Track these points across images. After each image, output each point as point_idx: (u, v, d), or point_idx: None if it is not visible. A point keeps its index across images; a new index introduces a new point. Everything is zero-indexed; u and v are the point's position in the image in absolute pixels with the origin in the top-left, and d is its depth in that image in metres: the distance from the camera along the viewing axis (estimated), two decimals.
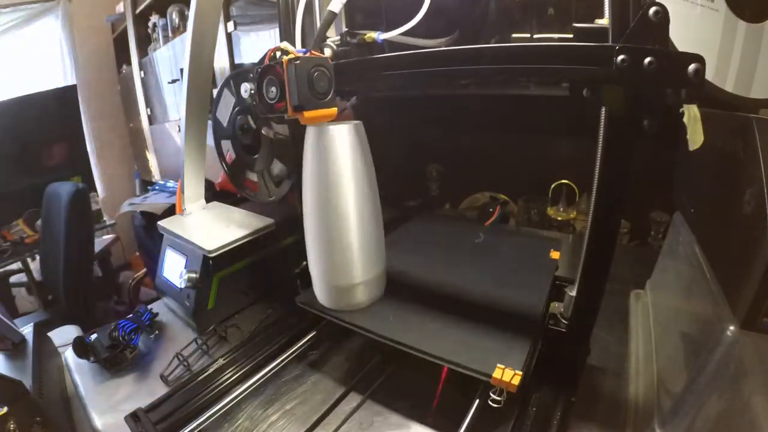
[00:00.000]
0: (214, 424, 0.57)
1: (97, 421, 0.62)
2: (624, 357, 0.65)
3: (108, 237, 2.58)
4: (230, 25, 1.50)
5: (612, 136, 0.42)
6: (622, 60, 0.37)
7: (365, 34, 0.63)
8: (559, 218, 1.06)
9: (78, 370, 0.73)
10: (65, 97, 2.49)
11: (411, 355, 0.53)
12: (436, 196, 1.34)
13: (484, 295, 0.63)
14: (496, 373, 0.47)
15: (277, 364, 0.65)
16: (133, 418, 0.56)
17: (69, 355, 0.75)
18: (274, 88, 0.52)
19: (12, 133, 2.25)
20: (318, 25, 0.68)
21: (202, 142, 0.92)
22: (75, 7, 2.58)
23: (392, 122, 1.35)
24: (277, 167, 0.81)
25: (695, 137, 0.46)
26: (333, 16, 0.59)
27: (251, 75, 0.61)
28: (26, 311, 2.03)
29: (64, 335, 0.94)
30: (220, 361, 0.67)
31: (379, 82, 0.71)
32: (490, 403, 0.48)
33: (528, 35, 0.77)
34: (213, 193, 1.12)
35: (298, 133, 0.64)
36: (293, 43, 0.64)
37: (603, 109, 0.42)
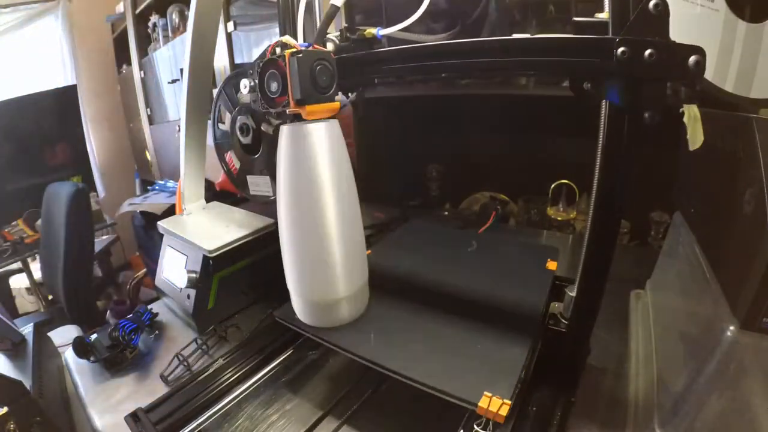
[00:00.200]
0: (214, 424, 0.57)
1: (97, 421, 0.62)
2: (624, 357, 0.65)
3: (108, 237, 2.58)
4: (230, 25, 1.50)
5: (612, 129, 0.42)
6: (623, 52, 0.37)
7: (365, 30, 0.63)
8: (559, 218, 1.06)
9: (78, 370, 0.73)
10: (65, 97, 2.49)
11: None
12: (436, 196, 1.34)
13: (474, 313, 0.59)
14: (483, 402, 0.43)
15: (277, 365, 0.65)
16: (133, 418, 0.56)
17: (69, 355, 0.75)
18: (275, 82, 0.51)
19: (12, 133, 2.25)
20: (318, 22, 0.68)
21: (202, 142, 0.92)
22: (75, 7, 2.58)
23: (392, 122, 1.35)
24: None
25: (695, 137, 0.46)
26: (336, 9, 0.59)
27: (250, 72, 0.61)
28: (26, 311, 2.04)
29: (64, 335, 0.94)
30: (220, 361, 0.67)
31: (380, 77, 0.71)
32: None
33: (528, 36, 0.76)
34: (213, 193, 1.12)
35: None
36: (295, 38, 0.64)
37: (603, 102, 0.42)
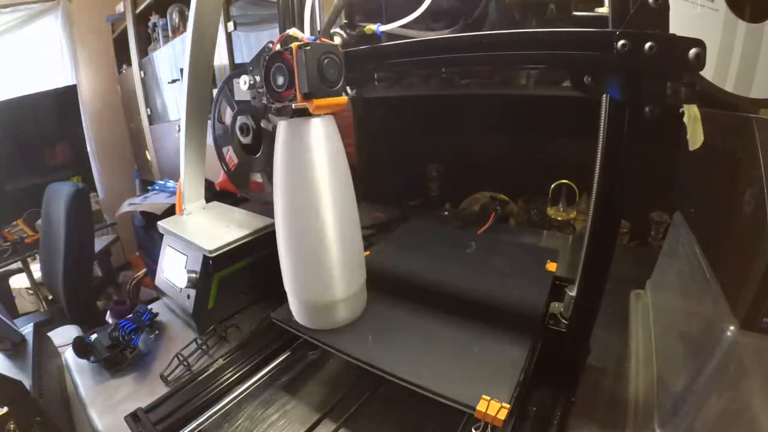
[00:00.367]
0: (214, 424, 0.57)
1: (97, 421, 0.62)
2: (624, 357, 0.65)
3: (108, 237, 2.58)
4: (230, 25, 1.50)
5: (613, 124, 0.42)
6: (623, 45, 0.37)
7: (365, 26, 0.63)
8: (559, 218, 1.06)
9: (78, 370, 0.73)
10: (65, 97, 2.50)
11: None
12: (436, 196, 1.34)
13: (473, 314, 0.59)
14: (481, 406, 0.43)
15: (277, 364, 0.65)
16: (133, 418, 0.56)
17: (69, 355, 0.75)
18: (282, 76, 0.50)
19: (12, 133, 2.26)
20: (318, 18, 0.67)
21: (202, 142, 0.92)
22: (75, 7, 2.58)
23: (392, 122, 1.35)
24: None
25: (695, 137, 0.46)
26: (343, 2, 0.58)
27: (250, 68, 0.60)
28: (26, 311, 2.04)
29: (64, 335, 0.94)
30: (220, 361, 0.67)
31: (386, 71, 0.70)
32: None
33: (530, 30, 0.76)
34: (213, 193, 1.12)
35: None
36: (302, 31, 0.62)
37: (604, 97, 0.42)
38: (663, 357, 0.59)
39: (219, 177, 1.33)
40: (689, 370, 0.48)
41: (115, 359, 0.71)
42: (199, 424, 0.55)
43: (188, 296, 0.78)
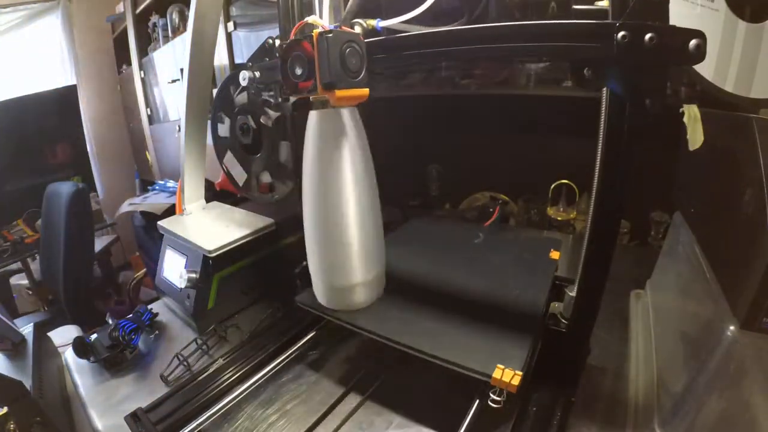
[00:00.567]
0: (214, 424, 0.57)
1: (97, 421, 0.62)
2: (624, 357, 0.65)
3: (108, 237, 2.58)
4: (230, 25, 1.50)
5: (613, 118, 0.42)
6: (623, 36, 0.37)
7: (366, 22, 0.62)
8: (559, 218, 1.06)
9: (78, 370, 0.73)
10: (65, 97, 2.50)
11: (406, 358, 0.52)
12: (436, 196, 1.34)
13: (484, 295, 0.63)
14: (496, 374, 0.46)
15: (277, 364, 0.65)
16: (133, 418, 0.56)
17: (69, 355, 0.75)
18: (300, 66, 0.48)
19: (12, 133, 2.25)
20: (317, 11, 0.67)
21: (202, 142, 0.92)
22: (75, 7, 2.58)
23: (392, 122, 1.35)
24: (267, 177, 0.81)
25: (695, 137, 0.46)
26: None
27: (249, 64, 0.60)
28: (26, 311, 2.04)
29: (64, 335, 0.94)
30: (220, 361, 0.67)
31: (392, 65, 0.69)
32: (490, 403, 0.48)
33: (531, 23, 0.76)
34: (213, 193, 1.12)
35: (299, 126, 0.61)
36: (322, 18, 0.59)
37: (604, 90, 0.41)
38: (663, 357, 0.59)
39: (219, 177, 1.33)
40: (689, 370, 0.48)
41: (115, 359, 0.71)
42: (199, 424, 0.55)
43: (188, 296, 0.78)
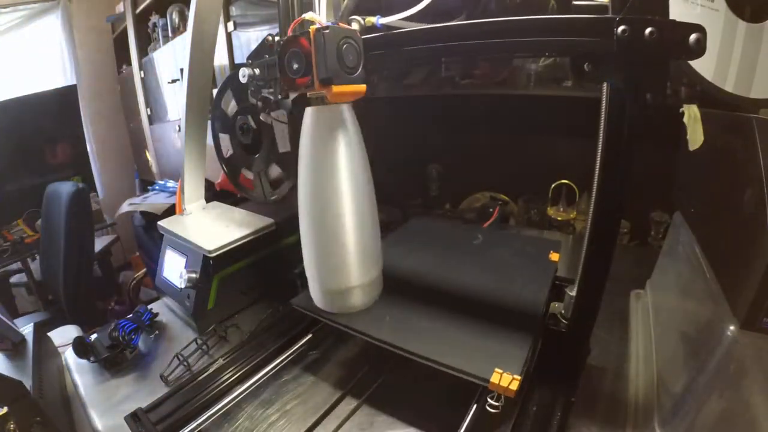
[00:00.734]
0: (214, 424, 0.57)
1: (97, 422, 0.62)
2: (624, 357, 0.65)
3: (108, 237, 2.58)
4: (230, 25, 1.50)
5: (614, 113, 0.42)
6: (623, 31, 0.37)
7: (364, 19, 0.62)
8: (559, 218, 1.06)
9: (78, 370, 0.73)
10: (65, 97, 2.50)
11: (406, 359, 0.52)
12: (436, 196, 1.34)
13: (482, 298, 0.62)
14: (494, 378, 0.46)
15: (277, 364, 0.65)
16: (133, 418, 0.56)
17: (69, 355, 0.75)
18: (297, 62, 0.48)
19: (12, 133, 2.25)
20: (318, 9, 0.67)
21: (202, 142, 0.92)
22: (75, 7, 2.58)
23: (392, 122, 1.35)
24: (275, 171, 0.81)
25: (695, 137, 0.46)
26: None
27: (249, 60, 0.60)
28: (26, 311, 2.03)
29: (64, 335, 0.94)
30: (220, 361, 0.67)
31: (393, 62, 0.69)
32: (488, 408, 0.47)
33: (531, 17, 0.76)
34: (213, 193, 1.12)
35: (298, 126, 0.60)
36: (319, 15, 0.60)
37: (604, 85, 0.41)
38: (663, 357, 0.59)
39: (219, 177, 1.33)
40: (689, 370, 0.48)
41: (115, 359, 0.71)
42: (199, 424, 0.55)
43: (188, 296, 0.78)
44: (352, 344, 0.72)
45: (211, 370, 0.65)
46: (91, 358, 0.72)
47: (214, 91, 0.84)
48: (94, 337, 0.74)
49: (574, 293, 0.51)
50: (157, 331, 0.81)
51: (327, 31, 0.46)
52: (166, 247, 0.89)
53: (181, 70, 1.46)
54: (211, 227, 0.87)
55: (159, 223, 0.90)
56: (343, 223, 0.56)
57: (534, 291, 0.61)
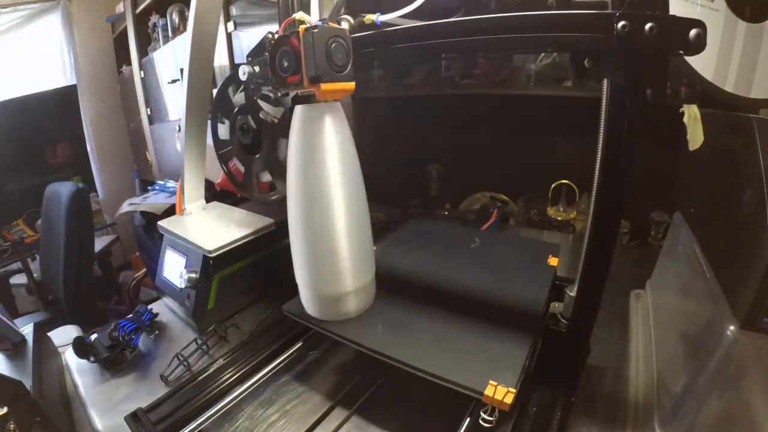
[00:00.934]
0: (214, 424, 0.57)
1: (97, 422, 0.62)
2: (624, 357, 0.65)
3: (108, 237, 2.58)
4: (230, 25, 1.50)
5: (614, 109, 0.41)
6: (623, 26, 0.37)
7: (364, 17, 0.62)
8: (559, 218, 1.06)
9: (78, 370, 0.73)
10: (65, 97, 2.49)
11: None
12: (436, 196, 1.34)
13: (478, 305, 0.60)
14: (488, 391, 0.44)
15: (277, 365, 0.65)
16: (133, 418, 0.56)
17: (69, 355, 0.75)
18: (287, 61, 0.49)
19: (12, 133, 2.25)
20: (317, 8, 0.66)
21: (202, 142, 0.92)
22: (75, 7, 2.58)
23: (392, 122, 1.35)
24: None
25: (695, 137, 0.46)
26: None
27: (249, 58, 0.60)
28: (26, 311, 2.03)
29: (64, 335, 0.93)
30: (220, 361, 0.67)
31: (386, 60, 0.68)
32: (482, 422, 0.46)
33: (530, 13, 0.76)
34: (213, 193, 1.12)
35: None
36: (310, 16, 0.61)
37: (605, 81, 0.41)
38: (663, 357, 0.59)
39: (219, 177, 1.33)
40: (689, 370, 0.48)
41: (115, 359, 0.71)
42: (199, 424, 0.55)
43: (188, 296, 0.78)
44: (353, 345, 0.72)
45: (211, 370, 0.65)
46: (91, 358, 0.72)
47: (214, 91, 0.84)
48: (94, 337, 0.74)
49: (574, 293, 0.51)
50: (157, 331, 0.81)
51: (316, 30, 0.47)
52: (166, 247, 0.89)
53: (181, 70, 1.46)
54: (211, 227, 0.87)
55: (159, 223, 0.90)
56: (332, 225, 0.54)
57: (531, 299, 0.60)
